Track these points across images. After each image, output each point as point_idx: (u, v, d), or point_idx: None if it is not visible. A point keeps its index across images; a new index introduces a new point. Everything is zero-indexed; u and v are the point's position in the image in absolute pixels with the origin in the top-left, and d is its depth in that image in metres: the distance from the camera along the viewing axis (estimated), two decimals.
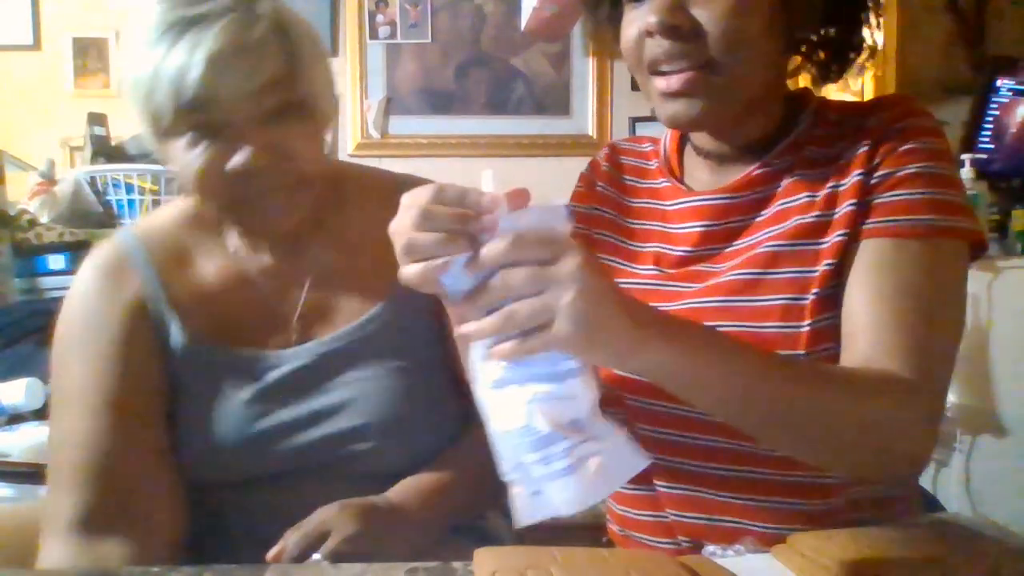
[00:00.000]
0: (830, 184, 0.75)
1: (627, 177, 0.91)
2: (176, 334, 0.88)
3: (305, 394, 0.88)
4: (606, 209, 0.89)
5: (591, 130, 3.09)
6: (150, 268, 0.90)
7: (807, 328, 0.72)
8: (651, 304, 0.67)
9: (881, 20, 0.80)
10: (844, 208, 0.74)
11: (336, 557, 0.75)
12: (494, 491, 0.96)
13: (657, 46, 0.73)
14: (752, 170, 0.80)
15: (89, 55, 3.04)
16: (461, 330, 0.56)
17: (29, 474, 1.19)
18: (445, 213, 0.55)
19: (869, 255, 0.72)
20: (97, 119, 2.61)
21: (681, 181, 0.86)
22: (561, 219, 0.56)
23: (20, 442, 1.25)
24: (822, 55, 0.81)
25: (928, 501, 0.90)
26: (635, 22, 0.74)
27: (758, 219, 0.79)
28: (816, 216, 0.75)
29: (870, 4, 0.80)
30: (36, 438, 1.27)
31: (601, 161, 0.93)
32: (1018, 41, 2.92)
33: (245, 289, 0.92)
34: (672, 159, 0.88)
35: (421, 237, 0.55)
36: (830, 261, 0.73)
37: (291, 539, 0.77)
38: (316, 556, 0.76)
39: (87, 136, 2.58)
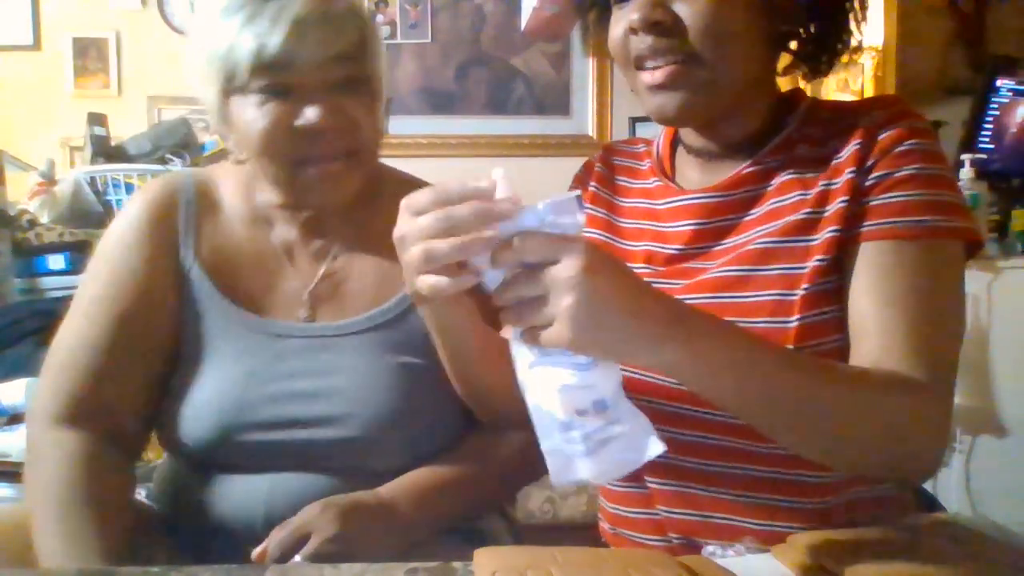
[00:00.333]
0: (822, 182, 0.76)
1: (619, 178, 0.92)
2: (195, 282, 0.92)
3: (302, 369, 0.89)
4: (598, 209, 0.90)
5: (591, 130, 3.09)
6: (191, 216, 0.95)
7: (796, 323, 0.73)
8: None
9: (865, 12, 0.81)
10: (836, 205, 0.74)
11: (317, 558, 0.75)
12: (492, 496, 0.96)
13: (641, 42, 0.75)
14: (743, 168, 0.81)
15: (89, 55, 3.04)
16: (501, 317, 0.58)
17: None
18: (464, 215, 0.55)
19: (871, 258, 0.72)
20: (97, 119, 2.61)
21: (673, 181, 0.87)
22: (574, 211, 0.57)
23: (20, 442, 1.24)
24: (810, 49, 0.82)
25: (928, 501, 0.90)
26: (621, 21, 0.77)
27: (749, 217, 0.80)
28: (807, 213, 0.76)
29: None
30: None
31: (595, 162, 0.95)
32: (1018, 41, 2.92)
33: (267, 258, 0.96)
34: (664, 159, 0.89)
35: (440, 245, 0.56)
36: (821, 257, 0.73)
37: (274, 540, 0.78)
38: (297, 558, 0.76)
39: (87, 136, 2.58)
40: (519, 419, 0.61)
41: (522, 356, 0.59)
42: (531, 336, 0.56)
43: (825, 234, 0.74)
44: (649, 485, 0.81)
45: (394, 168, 1.07)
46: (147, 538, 0.90)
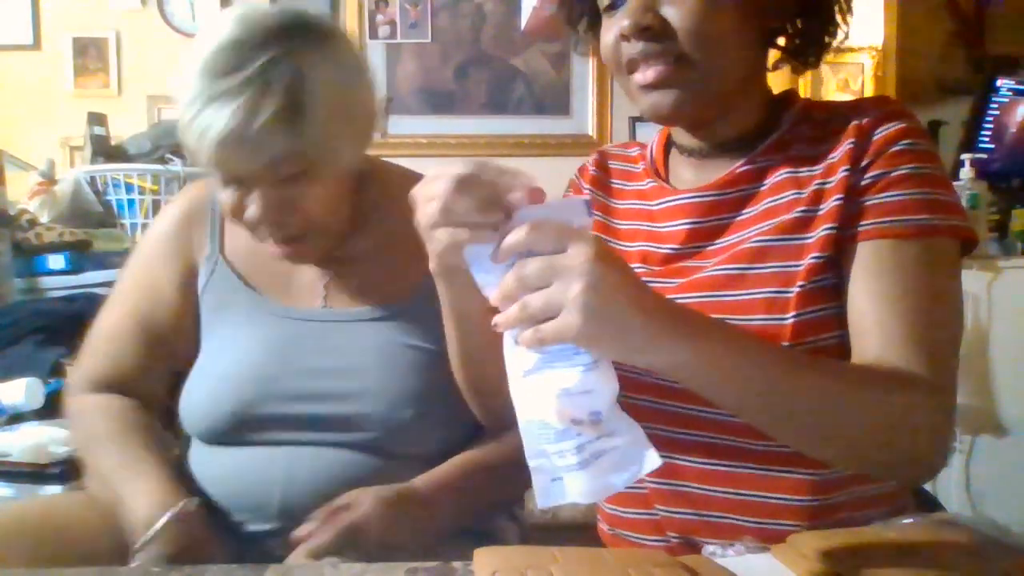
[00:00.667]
0: (817, 181, 0.76)
1: (614, 181, 0.93)
2: (220, 275, 1.01)
3: (319, 347, 0.95)
4: (594, 212, 0.90)
5: (591, 130, 3.09)
6: (217, 216, 1.02)
7: (791, 320, 0.73)
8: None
9: (851, 3, 0.82)
10: (831, 203, 0.75)
11: (365, 553, 0.77)
12: (511, 495, 0.98)
13: (633, 48, 0.76)
14: (737, 167, 0.81)
15: (89, 55, 3.04)
16: (493, 322, 0.58)
17: (29, 474, 1.19)
18: (483, 183, 0.58)
19: (869, 257, 0.73)
20: (97, 119, 2.61)
21: (667, 182, 0.88)
22: (581, 213, 0.58)
23: (20, 442, 1.25)
24: (798, 44, 0.83)
25: (928, 501, 0.90)
26: (611, 28, 0.78)
27: (743, 216, 0.80)
28: (802, 211, 0.76)
29: None
30: (36, 438, 1.26)
31: (589, 166, 0.96)
32: (1018, 41, 2.92)
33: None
34: (658, 161, 0.90)
35: (458, 203, 0.59)
36: (817, 255, 0.74)
37: (324, 533, 0.80)
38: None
39: (87, 136, 2.58)
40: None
41: (518, 363, 0.58)
42: (534, 335, 0.56)
43: (820, 232, 0.74)
44: (647, 484, 0.81)
45: (394, 164, 1.09)
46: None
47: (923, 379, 0.68)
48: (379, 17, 3.04)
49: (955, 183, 1.92)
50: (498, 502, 0.97)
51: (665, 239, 0.83)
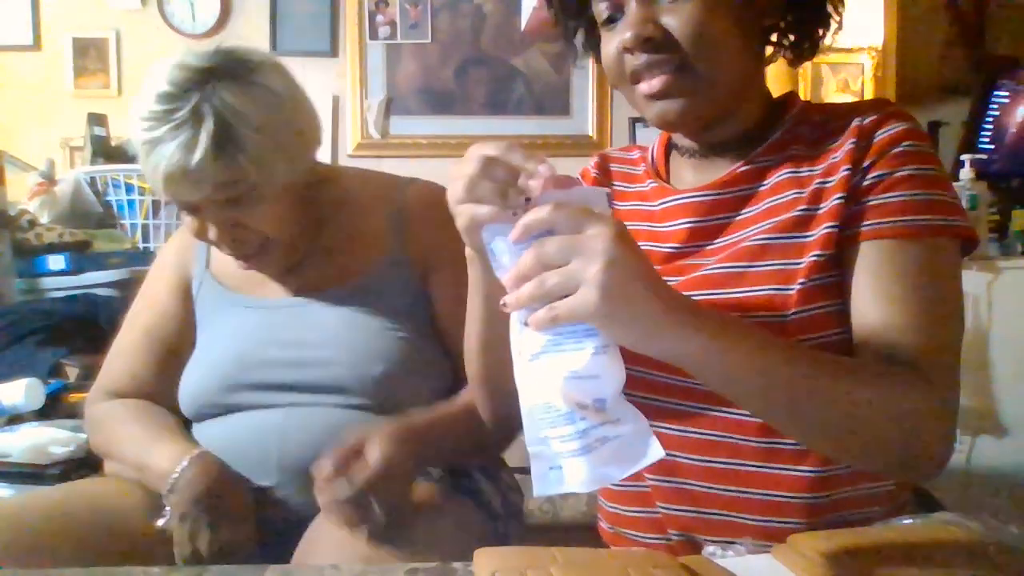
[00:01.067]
0: (817, 180, 0.77)
1: (615, 183, 0.93)
2: (208, 287, 1.16)
3: (294, 324, 1.07)
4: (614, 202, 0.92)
5: (591, 130, 3.09)
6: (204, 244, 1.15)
7: (792, 318, 0.74)
8: None
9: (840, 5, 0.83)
10: (832, 202, 0.75)
11: (371, 485, 0.85)
12: (492, 441, 1.02)
13: (636, 60, 0.77)
14: (738, 167, 0.82)
15: (89, 55, 3.04)
16: (502, 302, 0.59)
17: (29, 474, 1.19)
18: (510, 165, 0.60)
19: (872, 256, 0.73)
20: (97, 119, 2.61)
21: (667, 183, 0.89)
22: (602, 202, 0.59)
23: (20, 442, 1.25)
24: (792, 37, 0.84)
25: (928, 501, 0.90)
26: (612, 41, 0.79)
27: (744, 215, 0.81)
28: (803, 210, 0.77)
29: None
30: (36, 438, 1.27)
31: (590, 169, 0.97)
32: (1018, 41, 2.92)
33: None
34: (659, 162, 0.91)
35: (483, 182, 0.60)
36: (818, 253, 0.74)
37: (332, 462, 0.86)
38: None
39: (87, 136, 2.58)
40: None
41: (525, 346, 0.59)
42: (547, 313, 0.56)
43: (821, 230, 0.75)
44: (648, 482, 0.81)
45: (354, 168, 1.24)
46: None
47: (928, 377, 0.68)
48: (379, 17, 3.04)
49: (955, 183, 1.92)
50: (483, 443, 1.01)
51: (666, 238, 0.84)
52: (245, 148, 0.95)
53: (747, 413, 0.75)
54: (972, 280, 1.92)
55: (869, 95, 3.10)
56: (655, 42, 0.75)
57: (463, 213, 0.62)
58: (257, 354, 1.05)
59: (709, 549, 0.68)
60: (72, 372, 1.63)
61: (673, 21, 0.75)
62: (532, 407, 0.58)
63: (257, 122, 0.96)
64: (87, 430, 1.18)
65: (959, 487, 1.93)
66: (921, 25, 3.04)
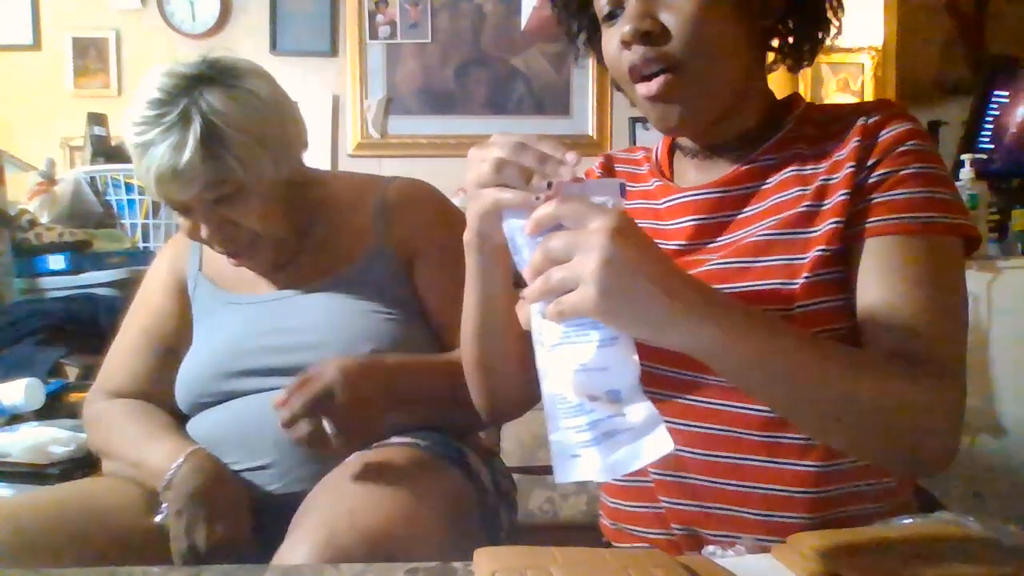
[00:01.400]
0: (821, 177, 0.78)
1: None
2: (202, 288, 1.21)
3: (283, 314, 1.12)
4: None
5: (591, 130, 3.09)
6: (198, 244, 1.18)
7: (796, 312, 0.74)
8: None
9: (841, 3, 0.83)
10: (836, 198, 0.76)
11: (333, 414, 0.90)
12: (459, 400, 1.02)
13: (633, 54, 0.78)
14: (741, 166, 0.83)
15: (89, 55, 3.04)
16: (522, 294, 0.60)
17: (29, 474, 1.19)
18: (535, 155, 0.62)
19: (877, 252, 0.74)
20: (97, 119, 2.61)
21: (671, 182, 0.89)
22: (615, 192, 0.59)
23: (20, 442, 1.25)
24: (791, 42, 0.85)
25: (928, 501, 0.90)
26: (613, 38, 0.80)
27: (748, 212, 0.81)
28: (807, 206, 0.77)
29: None
30: (36, 438, 1.27)
31: (595, 169, 0.98)
32: (1018, 41, 2.92)
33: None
34: (663, 162, 0.92)
35: (508, 167, 0.62)
36: (823, 248, 0.75)
37: (295, 401, 0.90)
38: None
39: (87, 136, 2.58)
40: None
41: (546, 336, 0.59)
42: (555, 308, 0.57)
43: (826, 226, 0.75)
44: (651, 476, 0.81)
45: (341, 172, 1.29)
46: None
47: (934, 369, 0.69)
48: (379, 17, 3.04)
49: (955, 183, 1.92)
50: (459, 400, 0.98)
51: (671, 236, 0.85)
52: (231, 148, 1.01)
53: (751, 408, 0.75)
54: (972, 280, 1.91)
55: (869, 95, 3.10)
56: (652, 36, 0.76)
57: (486, 196, 0.63)
58: (249, 343, 1.09)
59: (709, 548, 0.68)
60: (72, 372, 1.63)
61: (671, 17, 0.76)
62: (551, 395, 0.59)
63: (242, 124, 1.02)
64: (86, 429, 1.21)
65: (959, 487, 1.94)
66: (921, 25, 3.04)
